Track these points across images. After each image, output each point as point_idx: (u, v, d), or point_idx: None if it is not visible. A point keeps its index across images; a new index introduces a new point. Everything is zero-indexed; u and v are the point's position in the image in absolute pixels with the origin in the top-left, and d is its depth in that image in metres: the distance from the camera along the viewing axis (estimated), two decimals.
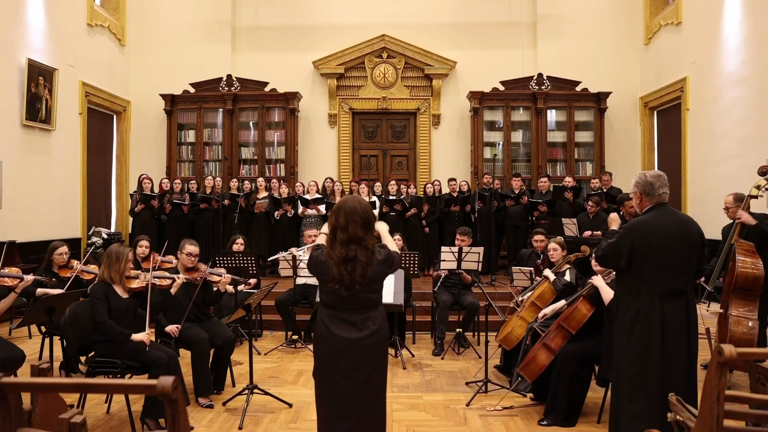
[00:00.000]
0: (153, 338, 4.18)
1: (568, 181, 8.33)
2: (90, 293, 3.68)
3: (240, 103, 9.80)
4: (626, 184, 9.38)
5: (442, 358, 5.34)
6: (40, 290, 4.66)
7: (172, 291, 4.03)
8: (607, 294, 3.57)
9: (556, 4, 10.13)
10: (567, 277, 4.53)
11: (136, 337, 3.63)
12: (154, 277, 3.92)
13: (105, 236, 8.44)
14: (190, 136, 9.92)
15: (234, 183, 8.61)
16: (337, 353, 2.54)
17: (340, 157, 10.21)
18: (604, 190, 8.24)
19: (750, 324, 3.93)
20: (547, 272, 4.53)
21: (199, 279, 4.26)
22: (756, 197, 4.31)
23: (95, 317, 3.60)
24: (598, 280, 3.67)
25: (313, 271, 2.66)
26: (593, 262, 3.93)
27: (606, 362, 3.62)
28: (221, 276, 4.45)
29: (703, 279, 4.39)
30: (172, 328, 4.01)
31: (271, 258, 6.60)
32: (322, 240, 2.75)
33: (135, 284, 3.83)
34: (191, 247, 4.32)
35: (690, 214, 8.16)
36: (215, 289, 4.48)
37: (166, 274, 4.14)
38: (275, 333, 6.38)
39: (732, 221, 4.65)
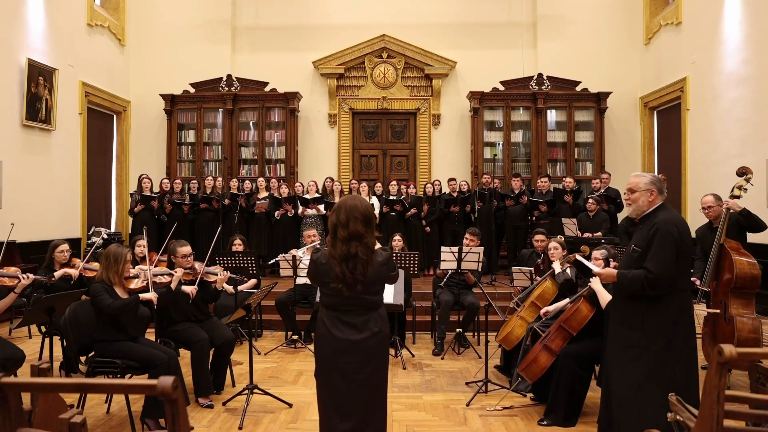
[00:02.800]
0: (153, 338, 4.19)
1: (568, 182, 8.32)
2: (91, 289, 3.68)
3: (240, 103, 9.80)
4: (626, 184, 9.40)
5: (442, 358, 5.34)
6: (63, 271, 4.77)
7: (173, 286, 4.04)
8: (604, 298, 3.56)
9: (556, 4, 10.13)
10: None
11: (144, 296, 3.80)
12: (153, 275, 3.93)
13: (105, 236, 8.43)
14: (190, 136, 9.92)
15: (234, 183, 8.61)
16: (337, 354, 2.54)
17: (340, 157, 10.21)
18: (602, 191, 8.23)
19: (754, 323, 3.95)
20: (555, 264, 4.50)
21: (196, 279, 4.26)
22: (738, 197, 4.39)
23: (102, 306, 3.59)
24: (596, 284, 3.67)
25: (313, 274, 2.64)
26: (593, 263, 3.94)
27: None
28: (217, 274, 4.44)
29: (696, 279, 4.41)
30: (191, 289, 4.17)
31: (271, 261, 6.60)
32: None
33: (135, 285, 3.83)
34: (183, 249, 4.30)
35: (690, 214, 8.24)
36: (213, 287, 4.47)
37: (166, 270, 4.16)
38: (275, 333, 6.38)
39: (708, 222, 4.77)
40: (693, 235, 4.17)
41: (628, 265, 2.95)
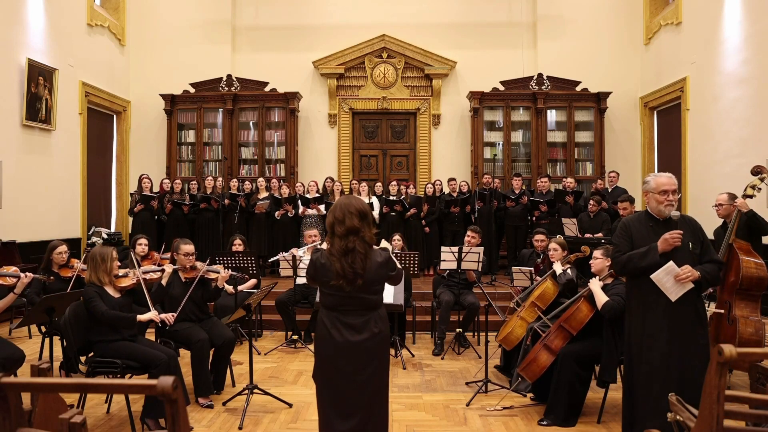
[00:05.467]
0: (153, 338, 4.18)
1: (569, 182, 8.32)
2: (83, 295, 3.69)
3: (240, 103, 9.80)
4: (627, 184, 9.41)
5: (442, 358, 5.34)
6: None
7: (163, 282, 4.04)
8: (601, 299, 3.56)
9: (556, 4, 10.13)
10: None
11: (142, 317, 3.71)
12: (143, 272, 3.93)
13: (105, 236, 8.43)
14: (190, 136, 9.92)
15: (234, 183, 8.61)
16: (337, 355, 2.54)
17: (340, 157, 10.21)
18: (609, 189, 8.21)
19: (756, 325, 3.94)
20: (556, 266, 4.50)
21: (196, 278, 4.26)
22: (751, 197, 4.32)
23: (96, 313, 3.59)
24: (594, 285, 3.66)
25: (313, 275, 2.64)
26: (593, 260, 3.94)
27: (607, 363, 3.62)
28: (219, 272, 4.44)
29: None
30: (167, 317, 3.95)
31: (271, 259, 6.59)
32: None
33: (126, 282, 3.83)
34: (186, 247, 4.31)
35: (690, 214, 8.18)
36: (213, 285, 4.47)
37: (154, 267, 4.17)
38: (275, 333, 6.38)
39: (723, 221, 4.69)
40: (711, 236, 4.22)
41: (692, 263, 2.98)
